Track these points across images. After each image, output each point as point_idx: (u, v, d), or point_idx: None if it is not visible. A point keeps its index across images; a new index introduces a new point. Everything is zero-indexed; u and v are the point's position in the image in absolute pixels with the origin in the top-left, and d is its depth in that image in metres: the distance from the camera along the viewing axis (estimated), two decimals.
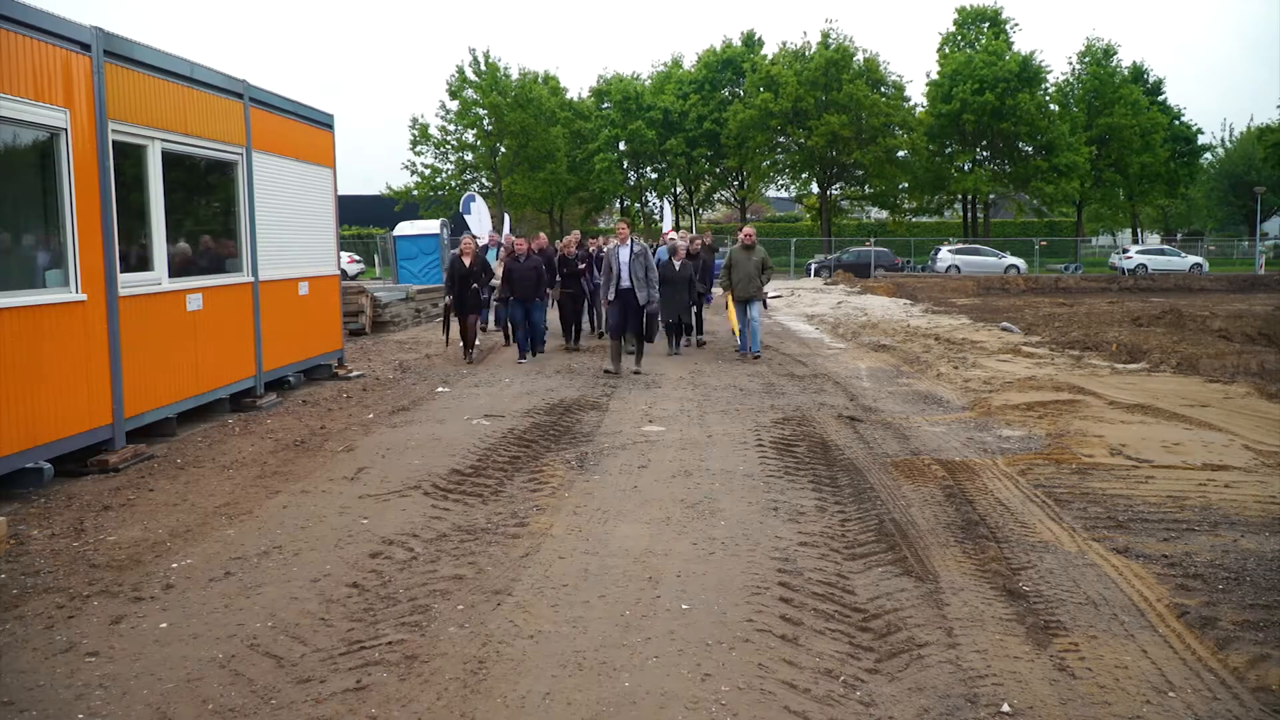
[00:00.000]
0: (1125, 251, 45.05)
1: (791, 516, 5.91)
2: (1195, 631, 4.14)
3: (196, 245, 9.33)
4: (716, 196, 57.16)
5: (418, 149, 47.11)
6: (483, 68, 46.21)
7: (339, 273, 13.00)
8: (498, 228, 23.91)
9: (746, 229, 13.76)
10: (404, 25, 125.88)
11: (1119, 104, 46.80)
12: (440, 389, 11.12)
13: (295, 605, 4.57)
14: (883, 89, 47.51)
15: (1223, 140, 58.82)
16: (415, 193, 46.86)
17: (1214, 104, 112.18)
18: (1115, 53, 49.55)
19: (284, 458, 7.68)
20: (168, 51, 8.48)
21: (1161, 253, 44.59)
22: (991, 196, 50.98)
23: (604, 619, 4.37)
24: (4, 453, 6.30)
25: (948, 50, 48.88)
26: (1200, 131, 52.23)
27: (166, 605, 4.59)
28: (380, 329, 18.77)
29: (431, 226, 28.50)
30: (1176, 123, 50.73)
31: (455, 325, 14.00)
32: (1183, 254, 44.60)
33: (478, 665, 3.91)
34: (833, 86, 45.70)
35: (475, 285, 13.36)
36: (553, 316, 15.21)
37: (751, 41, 52.69)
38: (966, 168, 47.81)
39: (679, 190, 54.25)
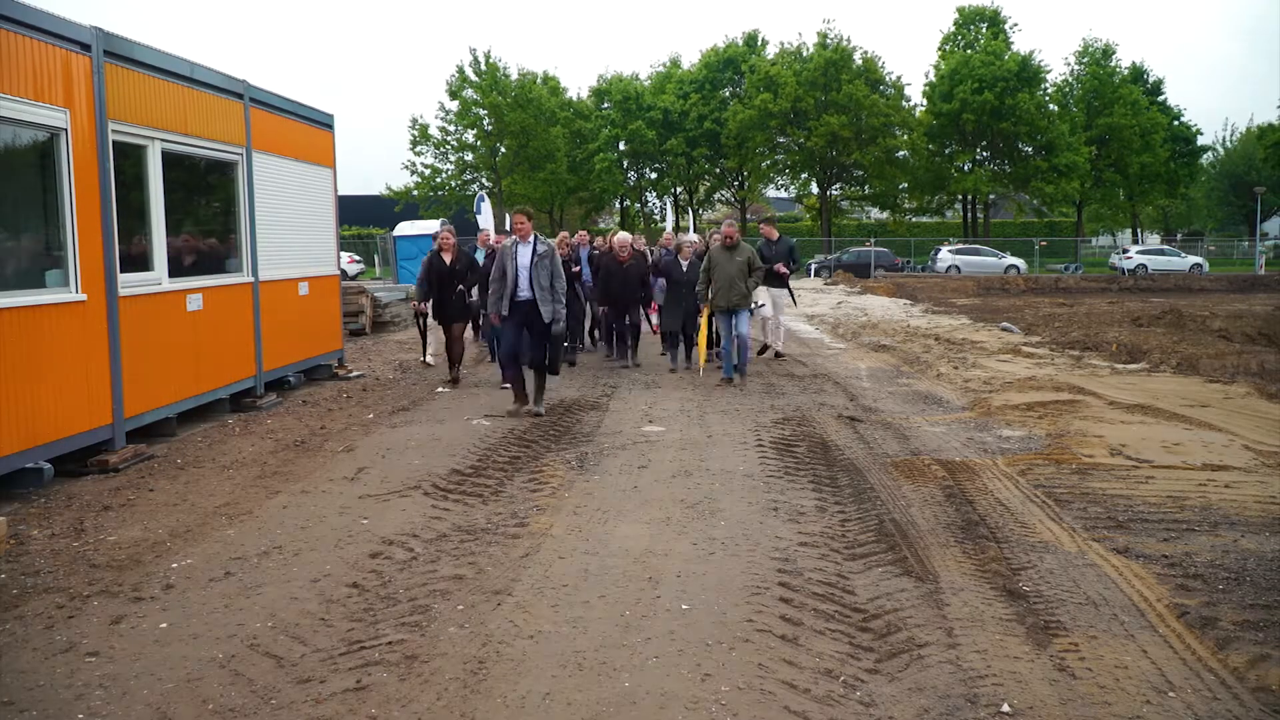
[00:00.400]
0: (1125, 252, 45.08)
1: (791, 516, 5.91)
2: (1195, 631, 4.14)
3: (196, 245, 9.34)
4: (716, 196, 57.19)
5: (418, 149, 47.22)
6: (483, 68, 46.26)
7: (339, 273, 12.99)
8: (500, 229, 23.91)
9: (726, 226, 11.46)
10: (404, 25, 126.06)
11: (1118, 104, 46.86)
12: (440, 389, 11.12)
13: (295, 605, 4.57)
14: (882, 89, 47.57)
15: (1223, 140, 58.90)
16: (415, 193, 46.91)
17: (1214, 104, 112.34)
18: (1114, 52, 49.64)
19: (284, 458, 7.68)
20: (168, 51, 8.48)
21: (1161, 253, 44.63)
22: (991, 196, 51.03)
23: (604, 619, 4.37)
24: (4, 453, 6.30)
25: (947, 50, 48.91)
26: (1200, 132, 52.33)
27: (166, 605, 4.59)
28: (380, 329, 18.77)
29: (431, 226, 28.52)
30: (1176, 123, 50.79)
31: (436, 337, 12.39)
32: (1183, 254, 44.63)
33: (478, 665, 3.91)
34: (832, 87, 45.75)
35: (460, 287, 11.48)
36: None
37: (753, 41, 52.74)
38: (966, 168, 47.86)
39: (679, 190, 54.27)
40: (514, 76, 46.57)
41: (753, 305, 11.41)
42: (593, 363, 13.37)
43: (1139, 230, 58.22)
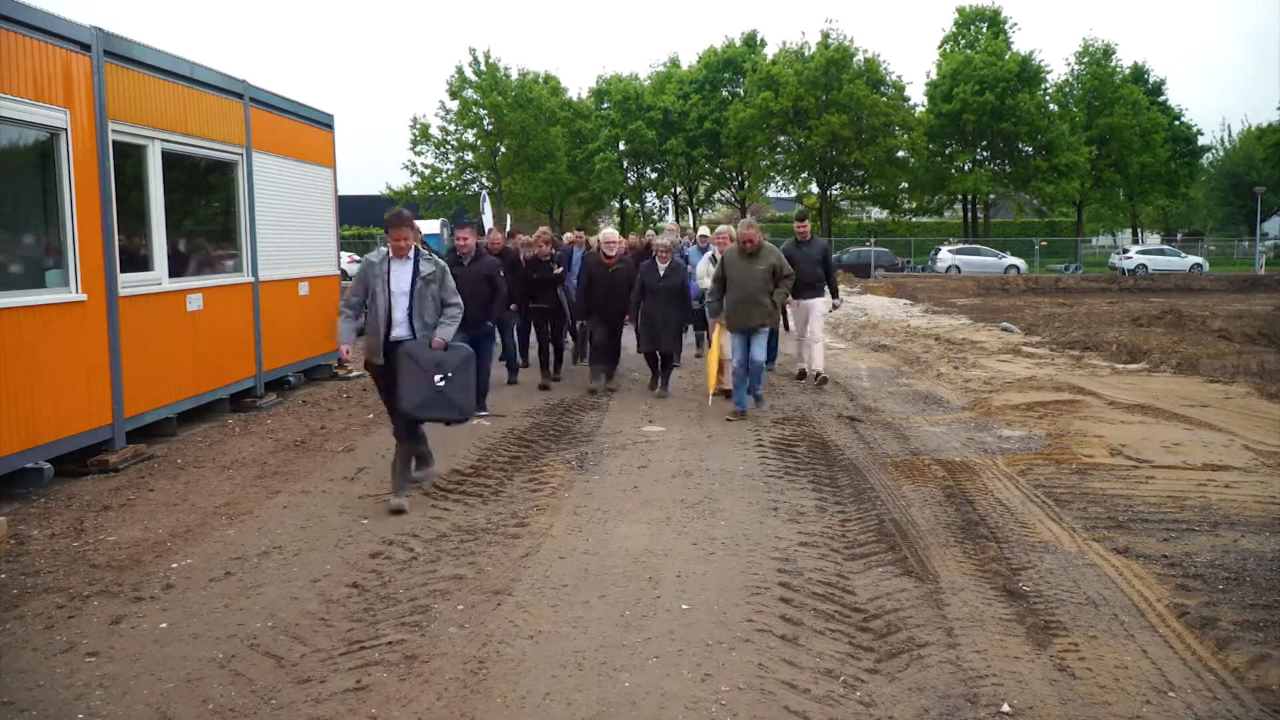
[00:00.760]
0: (1125, 252, 45.07)
1: (791, 516, 5.91)
2: (1195, 631, 4.14)
3: (196, 244, 9.33)
4: (716, 196, 57.18)
5: (418, 149, 47.19)
6: (483, 68, 46.25)
7: (339, 273, 12.99)
8: (501, 229, 23.94)
9: (746, 226, 9.03)
10: (404, 25, 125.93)
11: (1119, 104, 46.85)
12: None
13: (295, 605, 4.57)
14: (883, 89, 47.55)
15: (1222, 140, 58.90)
16: (415, 193, 46.87)
17: (1214, 104, 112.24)
18: (1114, 52, 49.62)
19: (284, 458, 7.68)
20: (168, 51, 8.48)
21: (1161, 253, 44.62)
22: (991, 196, 51.01)
23: (604, 619, 4.37)
24: (4, 453, 6.30)
25: (948, 50, 48.91)
26: (1200, 132, 52.32)
27: (166, 605, 4.59)
28: None
29: (432, 226, 28.55)
30: (1177, 123, 50.76)
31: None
32: (1183, 254, 44.63)
33: (478, 665, 3.91)
34: (833, 86, 45.73)
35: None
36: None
37: (753, 41, 52.73)
38: (966, 168, 47.84)
39: (679, 190, 54.28)
40: (514, 76, 46.59)
41: (778, 323, 9.49)
42: (571, 385, 11.05)
43: (1139, 230, 58.21)
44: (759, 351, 9.08)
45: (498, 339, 10.39)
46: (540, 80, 48.33)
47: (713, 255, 10.25)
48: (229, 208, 9.91)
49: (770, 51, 51.23)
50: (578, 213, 53.92)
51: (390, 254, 6.22)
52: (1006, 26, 48.82)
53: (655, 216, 53.18)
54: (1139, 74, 50.84)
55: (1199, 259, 43.78)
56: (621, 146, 51.29)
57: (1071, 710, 3.51)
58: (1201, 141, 53.09)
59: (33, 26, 6.63)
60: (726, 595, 4.63)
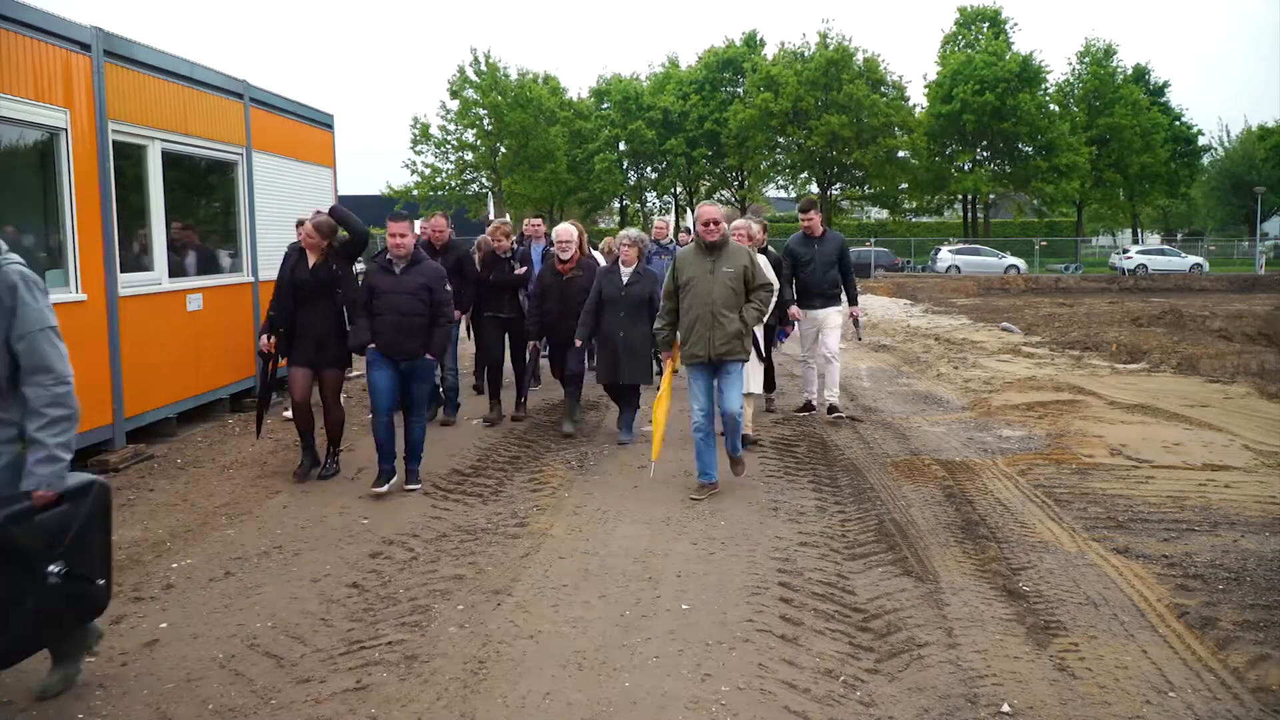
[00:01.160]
0: (1125, 252, 45.09)
1: (791, 516, 5.91)
2: (1195, 631, 4.14)
3: (196, 245, 9.33)
4: (717, 196, 57.18)
5: (418, 149, 47.20)
6: (483, 68, 46.26)
7: None
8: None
9: (706, 207, 6.42)
10: (404, 25, 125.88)
11: (1119, 104, 46.84)
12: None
13: (295, 605, 4.57)
14: (883, 89, 47.54)
15: (1222, 140, 58.90)
16: (415, 192, 46.86)
17: (1214, 104, 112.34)
18: (1115, 53, 49.61)
19: (284, 458, 7.68)
20: (168, 51, 8.48)
21: (1161, 253, 44.65)
22: (991, 196, 51.00)
23: (604, 619, 4.37)
24: None
25: (948, 50, 48.91)
26: (1200, 132, 52.33)
27: (166, 605, 4.59)
28: None
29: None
30: (1177, 123, 50.76)
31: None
32: (1183, 254, 44.65)
33: (478, 665, 3.91)
34: (833, 86, 45.72)
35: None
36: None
37: (753, 42, 52.73)
38: (966, 168, 47.83)
39: (679, 190, 54.25)
40: (514, 77, 46.60)
41: (752, 352, 6.75)
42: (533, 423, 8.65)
43: (1139, 230, 58.20)
44: (731, 398, 6.27)
45: (439, 377, 8.18)
46: (540, 80, 48.34)
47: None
48: (229, 208, 9.91)
49: (770, 52, 51.22)
50: (578, 213, 53.94)
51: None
52: (1007, 27, 48.82)
53: (655, 216, 53.18)
54: (1140, 74, 50.85)
55: (1199, 259, 43.80)
56: (621, 147, 51.27)
57: (1071, 710, 3.51)
58: (1201, 142, 53.14)
59: (33, 26, 6.64)
60: (726, 595, 4.63)
